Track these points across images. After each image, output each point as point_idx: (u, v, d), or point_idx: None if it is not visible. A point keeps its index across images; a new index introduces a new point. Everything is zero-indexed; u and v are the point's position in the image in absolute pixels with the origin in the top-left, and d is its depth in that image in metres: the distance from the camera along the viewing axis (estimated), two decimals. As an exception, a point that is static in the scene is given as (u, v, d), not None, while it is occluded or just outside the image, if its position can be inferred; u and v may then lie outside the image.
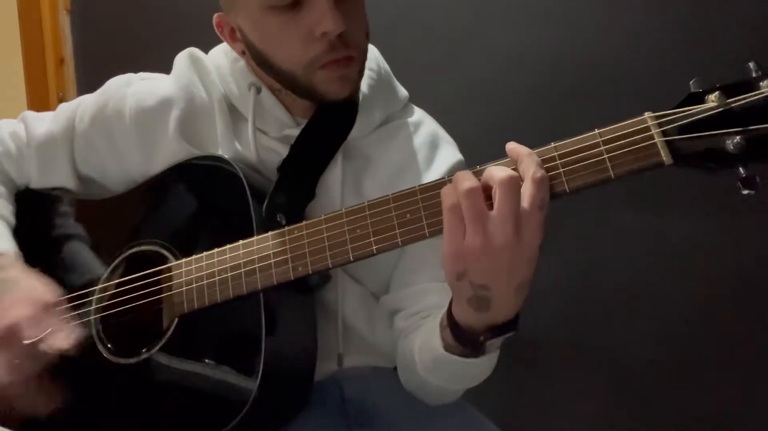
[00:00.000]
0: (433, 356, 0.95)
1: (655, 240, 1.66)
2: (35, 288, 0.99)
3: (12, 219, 1.14)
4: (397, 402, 1.08)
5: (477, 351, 0.87)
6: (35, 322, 0.94)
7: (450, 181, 0.81)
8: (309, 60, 1.00)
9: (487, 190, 0.76)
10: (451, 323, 0.88)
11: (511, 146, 0.80)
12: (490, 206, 0.75)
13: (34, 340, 0.93)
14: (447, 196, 0.77)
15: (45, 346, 0.93)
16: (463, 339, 0.87)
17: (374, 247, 0.87)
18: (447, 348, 0.92)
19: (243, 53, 1.08)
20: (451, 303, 0.87)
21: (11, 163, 1.17)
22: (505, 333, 0.84)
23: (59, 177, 1.16)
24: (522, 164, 0.77)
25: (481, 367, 0.95)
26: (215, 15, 1.07)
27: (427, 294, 1.08)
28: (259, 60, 1.06)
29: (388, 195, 0.87)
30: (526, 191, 0.75)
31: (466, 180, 0.76)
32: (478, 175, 0.79)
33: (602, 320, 1.70)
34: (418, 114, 1.22)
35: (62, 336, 0.94)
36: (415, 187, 0.86)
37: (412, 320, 1.07)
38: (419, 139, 1.16)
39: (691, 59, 1.58)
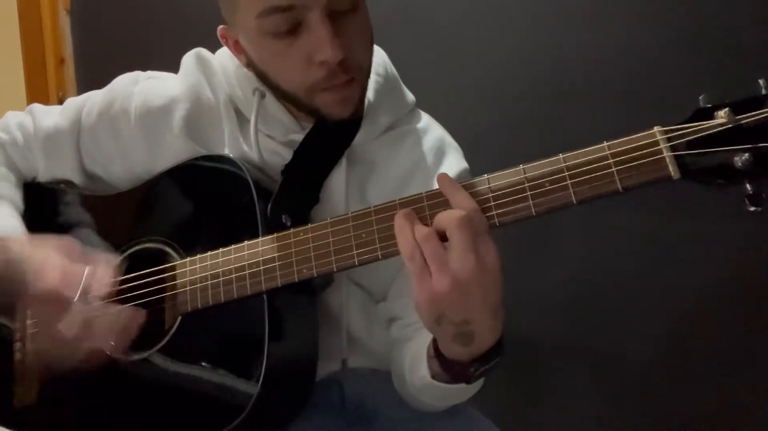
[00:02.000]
0: (422, 382, 0.97)
1: (655, 240, 1.67)
2: (54, 251, 0.98)
3: (20, 204, 1.14)
4: (397, 402, 1.08)
5: (468, 381, 0.90)
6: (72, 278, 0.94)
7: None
8: (309, 85, 0.99)
9: (439, 232, 0.80)
10: (440, 357, 0.89)
11: (444, 180, 0.84)
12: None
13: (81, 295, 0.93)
14: (404, 245, 0.81)
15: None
16: (454, 372, 0.89)
17: (380, 252, 0.87)
18: (435, 376, 0.94)
19: (248, 65, 1.07)
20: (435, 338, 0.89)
21: (17, 152, 1.17)
22: (493, 359, 0.86)
23: (65, 170, 1.16)
24: (455, 198, 0.82)
25: (470, 389, 0.97)
26: (219, 27, 1.06)
27: None
28: (261, 76, 1.05)
29: (395, 200, 0.87)
30: (475, 221, 0.79)
31: (420, 230, 0.80)
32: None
33: (602, 320, 1.71)
34: (425, 120, 1.21)
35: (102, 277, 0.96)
36: (421, 193, 0.86)
37: (407, 331, 1.08)
38: (426, 146, 1.15)
39: (690, 59, 1.59)
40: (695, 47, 1.59)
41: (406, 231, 0.81)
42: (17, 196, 1.15)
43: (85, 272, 0.95)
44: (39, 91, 2.23)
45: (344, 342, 1.09)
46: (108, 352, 0.97)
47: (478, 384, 0.97)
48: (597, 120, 1.61)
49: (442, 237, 0.79)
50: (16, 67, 2.23)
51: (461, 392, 0.95)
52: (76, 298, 0.93)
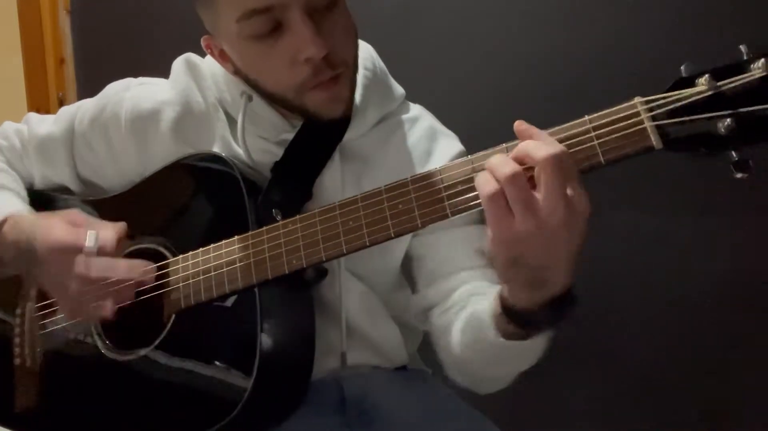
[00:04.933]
0: (492, 347, 0.91)
1: (656, 240, 1.64)
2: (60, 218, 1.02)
3: (26, 197, 1.16)
4: (397, 402, 1.07)
5: (538, 329, 0.86)
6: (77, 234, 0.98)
7: (439, 172, 0.82)
8: (297, 84, 0.98)
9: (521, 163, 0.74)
10: (506, 310, 0.85)
11: (522, 126, 0.78)
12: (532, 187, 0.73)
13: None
14: (484, 184, 0.74)
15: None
16: (523, 321, 0.84)
17: (367, 239, 0.87)
18: (506, 335, 0.88)
19: (235, 73, 1.06)
20: (500, 293, 0.85)
21: (16, 157, 1.20)
22: (567, 303, 0.81)
23: (60, 177, 1.17)
24: (544, 139, 0.76)
25: (537, 348, 0.92)
26: (203, 38, 1.05)
27: (456, 288, 1.06)
28: (249, 82, 1.05)
29: (381, 187, 0.87)
30: (567, 163, 0.74)
31: (506, 165, 0.73)
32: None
33: (603, 320, 1.69)
34: (415, 110, 1.20)
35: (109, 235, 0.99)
36: (406, 177, 0.86)
37: (448, 316, 1.05)
38: (417, 134, 1.14)
39: (685, 53, 1.56)
40: (689, 41, 1.57)
41: (487, 170, 0.75)
42: (23, 191, 1.17)
43: (91, 230, 0.98)
44: (39, 91, 2.23)
45: (343, 334, 1.08)
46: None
47: (540, 346, 0.92)
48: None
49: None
50: (16, 67, 2.23)
51: (531, 350, 0.91)
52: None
